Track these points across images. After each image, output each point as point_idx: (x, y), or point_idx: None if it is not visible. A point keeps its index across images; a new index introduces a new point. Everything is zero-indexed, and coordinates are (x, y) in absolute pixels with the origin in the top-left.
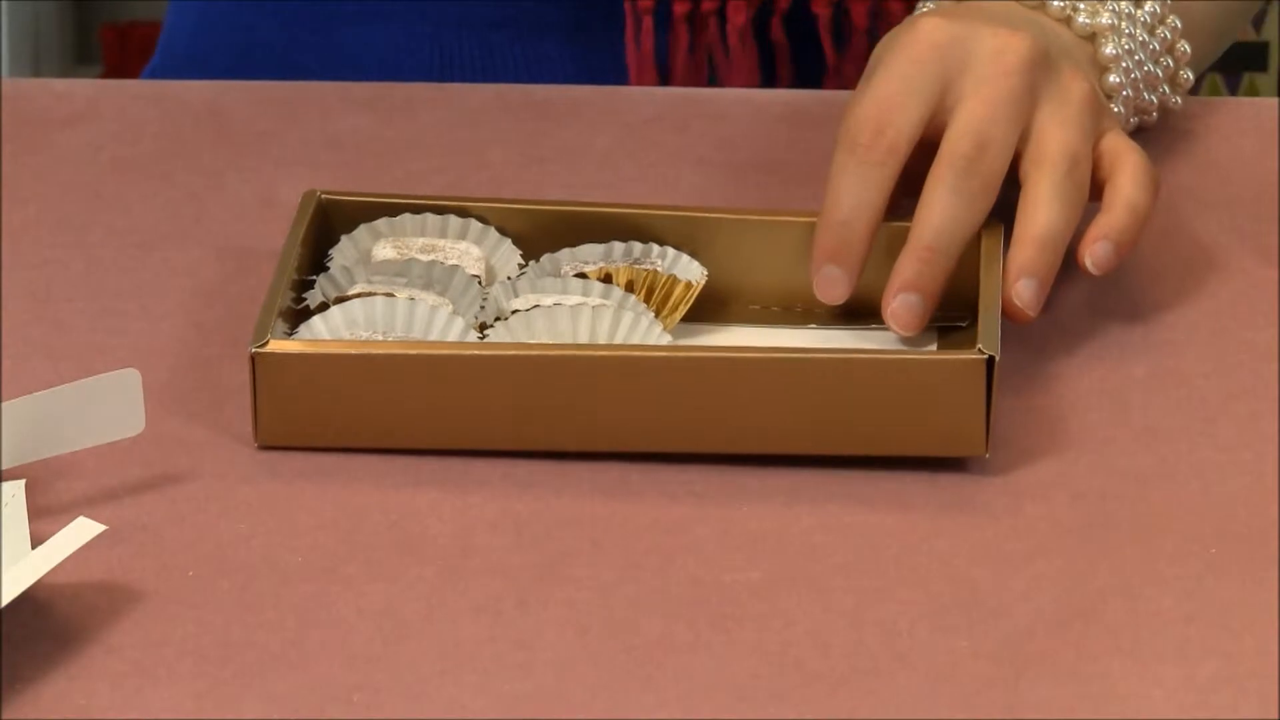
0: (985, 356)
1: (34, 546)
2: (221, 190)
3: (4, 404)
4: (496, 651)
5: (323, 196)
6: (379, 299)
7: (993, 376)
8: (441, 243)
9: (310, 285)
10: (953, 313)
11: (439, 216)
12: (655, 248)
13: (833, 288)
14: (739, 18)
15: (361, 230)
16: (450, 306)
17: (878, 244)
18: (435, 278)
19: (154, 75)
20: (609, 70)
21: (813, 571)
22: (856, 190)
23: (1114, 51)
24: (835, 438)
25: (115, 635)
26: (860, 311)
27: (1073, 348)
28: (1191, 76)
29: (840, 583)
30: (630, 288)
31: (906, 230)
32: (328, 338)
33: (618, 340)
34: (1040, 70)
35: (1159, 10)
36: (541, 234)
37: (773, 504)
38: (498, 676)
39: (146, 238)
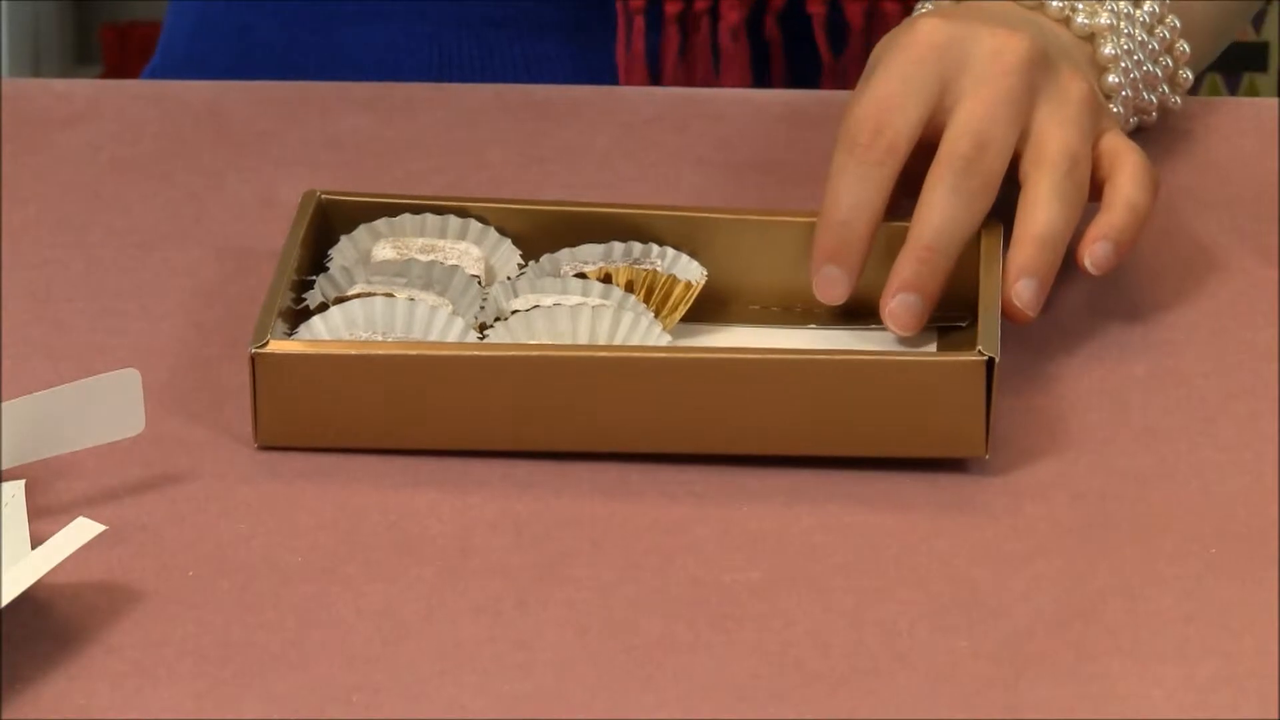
0: (985, 358)
1: (34, 546)
2: (221, 190)
3: (4, 404)
4: (496, 651)
5: (322, 196)
6: (379, 299)
7: (993, 378)
8: (441, 243)
9: (310, 285)
10: (952, 313)
11: (438, 217)
12: (655, 248)
13: (832, 288)
14: (732, 16)
15: (361, 230)
16: (450, 307)
17: (877, 244)
18: (435, 278)
19: (154, 75)
20: (608, 70)
21: (813, 571)
22: (856, 190)
23: (1113, 51)
24: (835, 439)
25: (115, 635)
26: (860, 312)
27: (1072, 348)
28: (1191, 76)
29: (840, 583)
30: (630, 288)
31: (906, 230)
32: (327, 338)
33: (617, 340)
34: (1039, 70)
35: (1158, 10)
36: (541, 234)
37: (773, 504)
38: (498, 676)
39: (146, 238)
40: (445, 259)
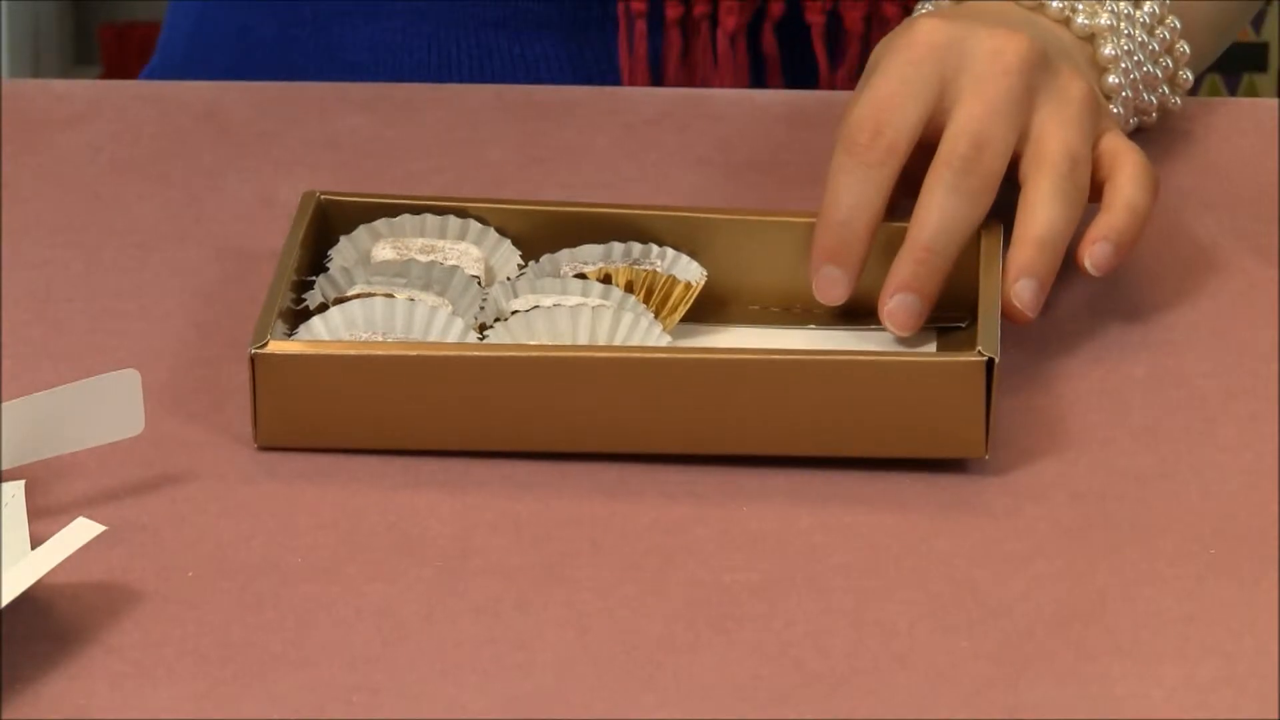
0: (985, 359)
1: (34, 547)
2: (221, 190)
3: (4, 404)
4: (496, 651)
5: (322, 197)
6: (378, 300)
7: (992, 379)
8: (441, 243)
9: (310, 286)
10: (952, 313)
11: (438, 217)
12: (655, 248)
13: (832, 288)
14: (730, 22)
15: (361, 231)
16: (450, 307)
17: (877, 244)
18: (435, 278)
19: (152, 75)
20: (606, 70)
21: (813, 571)
22: (856, 190)
23: (1113, 52)
24: (835, 439)
25: (115, 635)
26: (860, 312)
27: (1072, 348)
28: (1191, 77)
29: (840, 583)
30: (630, 288)
31: (905, 230)
32: (327, 338)
33: (617, 341)
34: (1039, 71)
35: (1158, 11)
36: (541, 234)
37: (773, 504)
38: (498, 676)
39: (146, 238)
40: (445, 259)
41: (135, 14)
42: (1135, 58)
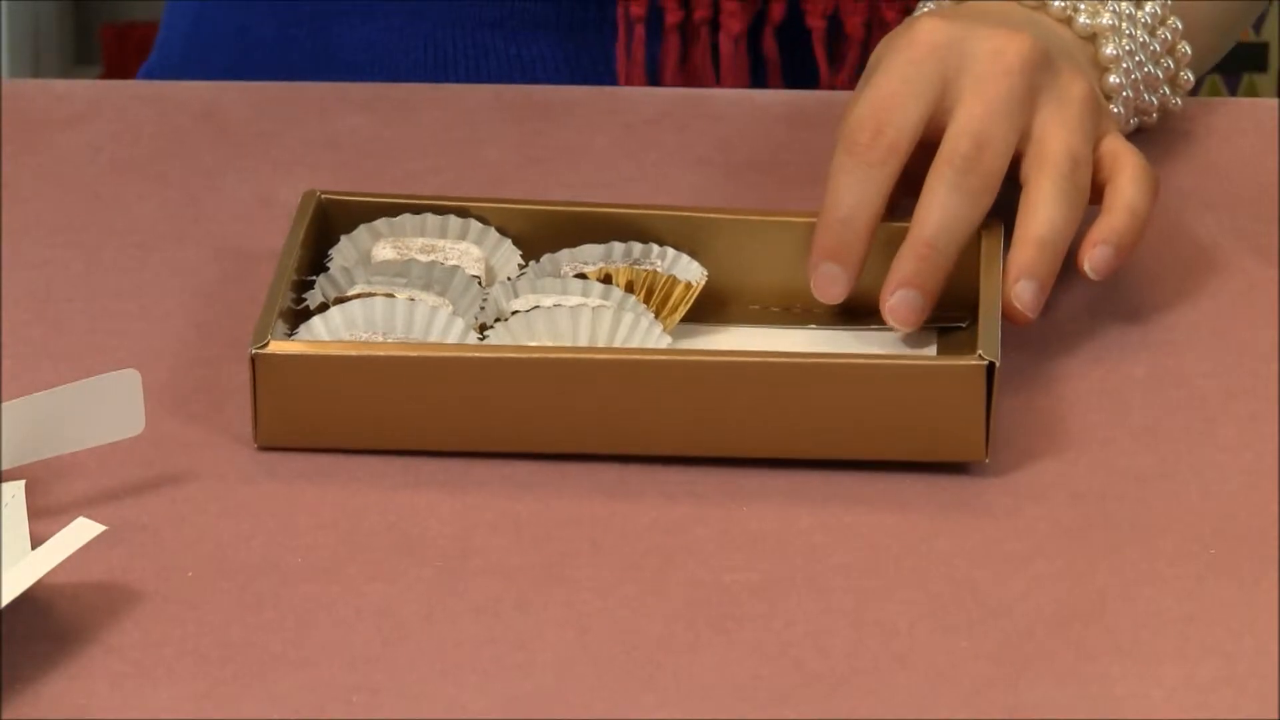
0: (985, 363)
1: (34, 547)
2: (221, 190)
3: (4, 404)
4: (496, 652)
5: (322, 197)
6: (379, 300)
7: (993, 382)
8: (441, 243)
9: (310, 286)
10: (952, 313)
11: (439, 217)
12: (655, 248)
13: (831, 286)
14: (733, 27)
15: (361, 230)
16: (450, 307)
17: (877, 243)
18: (435, 278)
19: (150, 74)
20: (602, 71)
21: (813, 571)
22: (856, 190)
23: (1114, 52)
24: (835, 443)
25: (115, 635)
26: (860, 312)
27: (1072, 349)
28: (1192, 78)
29: (840, 583)
30: (630, 288)
31: (905, 230)
32: (327, 339)
33: (618, 341)
34: (1040, 71)
35: (1160, 11)
36: (541, 234)
37: (773, 504)
38: (498, 676)
39: (146, 238)
40: (445, 259)
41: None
42: (1136, 58)
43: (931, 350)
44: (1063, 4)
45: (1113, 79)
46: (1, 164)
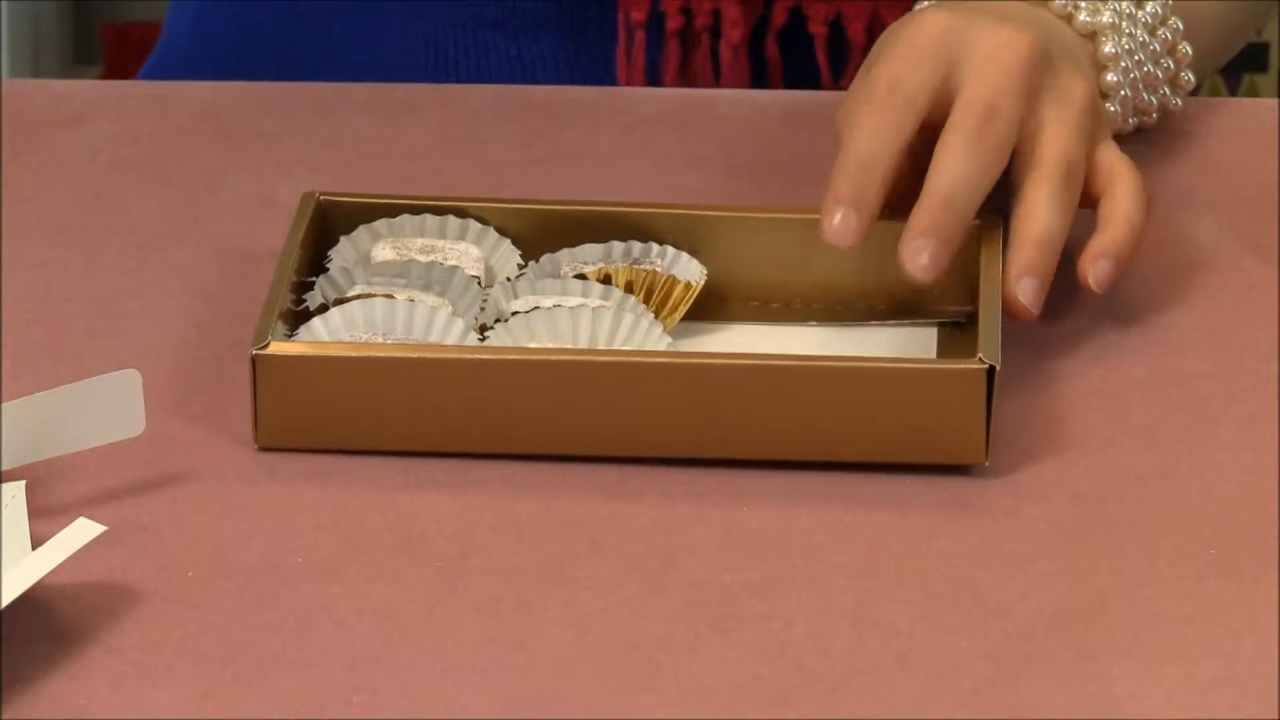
0: (986, 366)
1: (34, 547)
2: (221, 191)
3: (4, 404)
4: (496, 652)
5: (321, 197)
6: (379, 300)
7: (993, 385)
8: (441, 243)
9: (310, 287)
10: (951, 309)
11: (438, 217)
12: (655, 247)
13: (844, 230)
14: (734, 34)
15: (360, 231)
16: (450, 308)
17: (869, 238)
18: (435, 279)
19: (151, 74)
20: (602, 72)
21: (813, 571)
22: (875, 136)
23: (1113, 50)
24: (836, 445)
25: (115, 635)
26: (860, 308)
27: (1072, 349)
28: (1193, 79)
29: (840, 583)
30: (630, 288)
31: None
32: (327, 339)
33: (618, 342)
34: (1041, 70)
35: (1161, 11)
36: (540, 234)
37: (773, 504)
38: (498, 676)
39: (146, 238)
40: (445, 260)
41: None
42: (1136, 57)
43: (931, 346)
44: (1063, 1)
45: (1111, 77)
46: (1, 164)
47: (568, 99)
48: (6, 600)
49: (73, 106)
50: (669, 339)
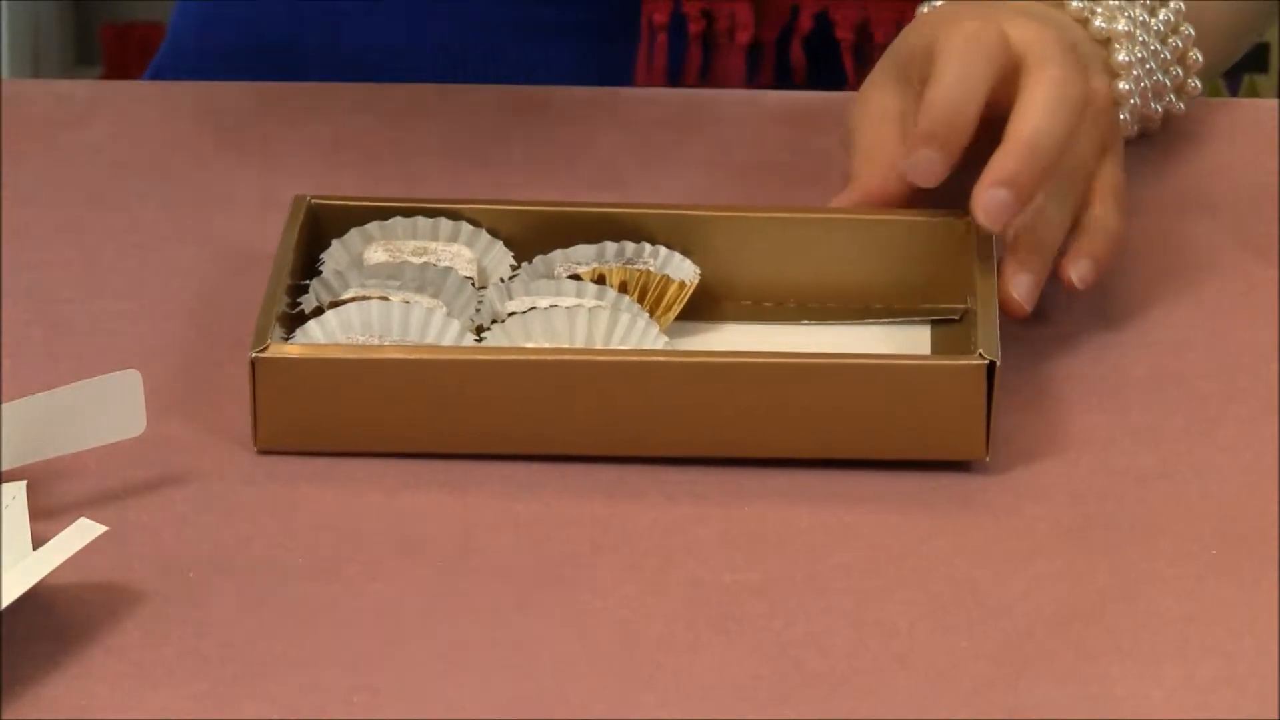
0: (986, 362)
1: (35, 547)
2: (221, 191)
3: (4, 404)
4: (496, 652)
5: (312, 200)
6: (374, 302)
7: (993, 381)
8: (433, 245)
9: (304, 290)
10: (944, 305)
11: (429, 219)
12: (648, 247)
13: (929, 170)
14: (743, 36)
15: (352, 234)
16: (444, 309)
17: (858, 235)
18: (428, 280)
19: (158, 71)
20: (613, 74)
21: (813, 571)
22: (963, 78)
23: (1127, 59)
24: (836, 442)
25: (115, 635)
26: (852, 308)
27: (1072, 349)
28: (1200, 85)
29: (840, 583)
30: (624, 288)
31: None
32: (324, 342)
33: (614, 342)
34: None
35: (1173, 19)
36: (534, 235)
37: (773, 504)
38: (498, 677)
39: (146, 238)
40: (438, 261)
41: (135, 14)
42: (1147, 65)
43: (925, 343)
44: (1081, 4)
45: (1123, 85)
46: (1, 164)
47: (569, 99)
48: (7, 600)
49: (73, 106)
50: (665, 338)
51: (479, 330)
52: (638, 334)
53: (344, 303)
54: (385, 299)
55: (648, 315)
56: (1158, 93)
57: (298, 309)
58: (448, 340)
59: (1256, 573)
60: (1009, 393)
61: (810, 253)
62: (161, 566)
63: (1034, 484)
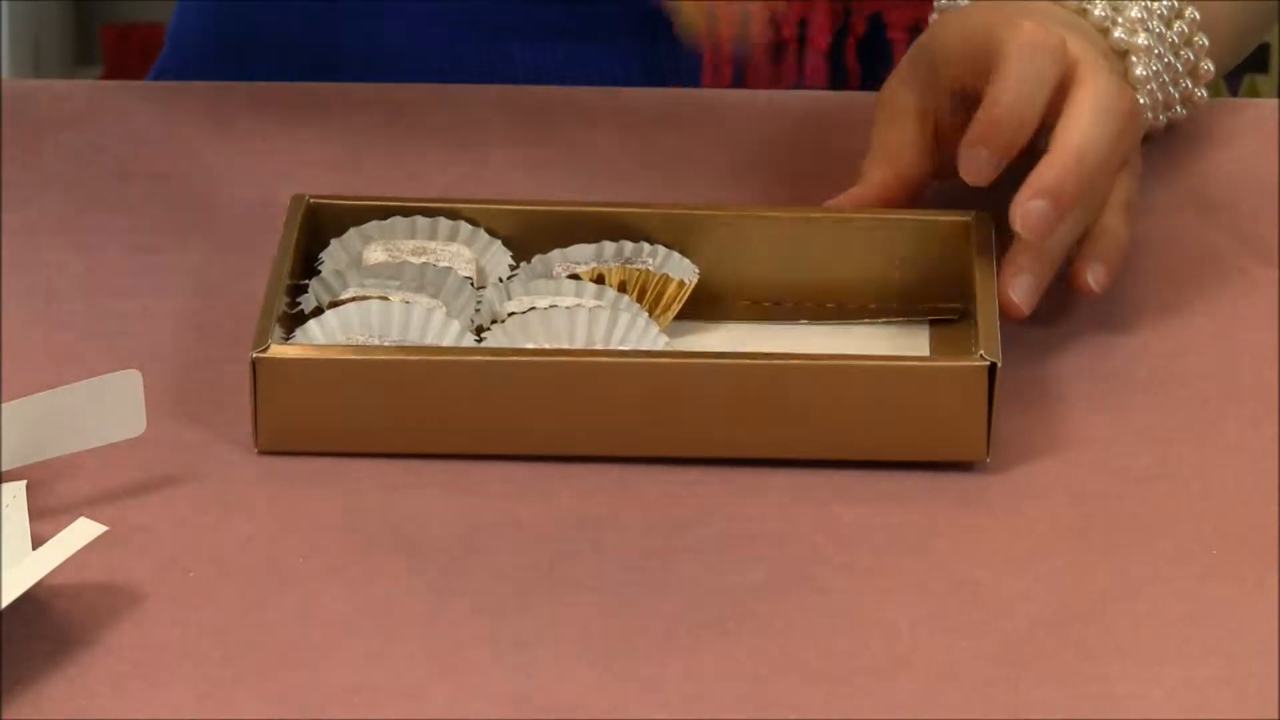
0: (987, 363)
1: (35, 547)
2: (221, 190)
3: (4, 404)
4: (496, 652)
5: (311, 200)
6: (373, 303)
7: (994, 383)
8: (432, 245)
9: (303, 290)
10: (942, 306)
11: (428, 219)
12: (646, 246)
13: (978, 168)
14: (818, 43)
15: (351, 234)
16: (444, 309)
17: (858, 235)
18: (428, 280)
19: (163, 71)
20: (616, 75)
21: (813, 571)
22: (1026, 80)
23: (1144, 73)
24: (837, 443)
25: (115, 636)
26: (850, 308)
27: (1072, 349)
28: (1206, 95)
29: (840, 583)
30: (623, 288)
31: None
32: (324, 342)
33: (615, 341)
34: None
35: (1187, 31)
36: (532, 234)
37: (773, 504)
38: (498, 676)
39: (146, 238)
40: (437, 261)
41: (136, 14)
42: (1161, 79)
43: (924, 343)
44: (1103, 14)
45: (1140, 100)
46: (2, 164)
47: (569, 99)
48: (7, 600)
49: (73, 106)
50: (666, 338)
51: (479, 330)
52: (638, 334)
53: (343, 302)
54: (385, 299)
55: (647, 315)
56: (1166, 104)
57: (298, 309)
58: (448, 340)
59: (1256, 573)
60: (1009, 393)
61: (810, 252)
62: (161, 566)
63: (1034, 484)
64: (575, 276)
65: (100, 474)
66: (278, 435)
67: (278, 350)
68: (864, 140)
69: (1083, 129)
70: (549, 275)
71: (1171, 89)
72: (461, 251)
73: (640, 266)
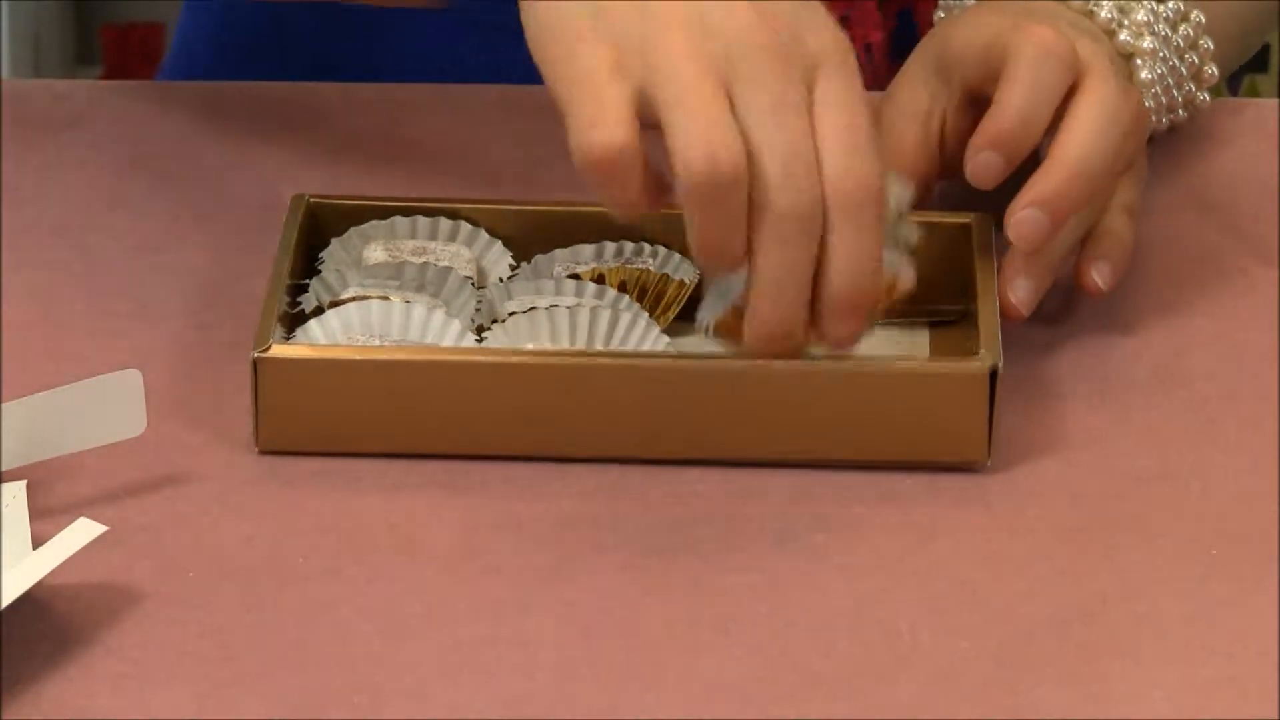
0: (988, 366)
1: (35, 547)
2: (221, 190)
3: (4, 404)
4: (496, 652)
5: (311, 199)
6: (374, 303)
7: (995, 385)
8: (432, 245)
9: (303, 289)
10: (942, 307)
11: (428, 219)
12: (646, 246)
13: (986, 173)
14: (876, 36)
15: (351, 233)
16: (445, 309)
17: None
18: (428, 280)
19: (173, 69)
20: None
21: (813, 571)
22: (1037, 87)
23: (1149, 76)
24: (838, 445)
25: (115, 636)
26: None
27: (1072, 349)
28: (1208, 98)
29: (840, 583)
30: (623, 288)
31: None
32: (324, 342)
33: (616, 341)
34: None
35: (1192, 34)
36: (533, 235)
37: (773, 504)
38: (498, 676)
39: (146, 238)
40: (437, 261)
41: (136, 14)
42: (1165, 82)
43: (923, 344)
44: (1109, 16)
45: (1145, 74)
46: (2, 164)
47: None
48: (7, 600)
49: (73, 106)
50: (666, 338)
51: (479, 330)
52: (638, 334)
53: (344, 302)
54: (385, 299)
55: (648, 315)
56: (1169, 107)
57: (298, 309)
58: (448, 340)
59: (1256, 573)
60: (1009, 393)
61: None
62: (161, 566)
63: (1034, 484)
64: (575, 276)
65: (100, 474)
66: (278, 435)
67: (278, 350)
68: None
69: (1083, 140)
70: (549, 275)
71: (1175, 92)
72: (461, 251)
73: (640, 266)
